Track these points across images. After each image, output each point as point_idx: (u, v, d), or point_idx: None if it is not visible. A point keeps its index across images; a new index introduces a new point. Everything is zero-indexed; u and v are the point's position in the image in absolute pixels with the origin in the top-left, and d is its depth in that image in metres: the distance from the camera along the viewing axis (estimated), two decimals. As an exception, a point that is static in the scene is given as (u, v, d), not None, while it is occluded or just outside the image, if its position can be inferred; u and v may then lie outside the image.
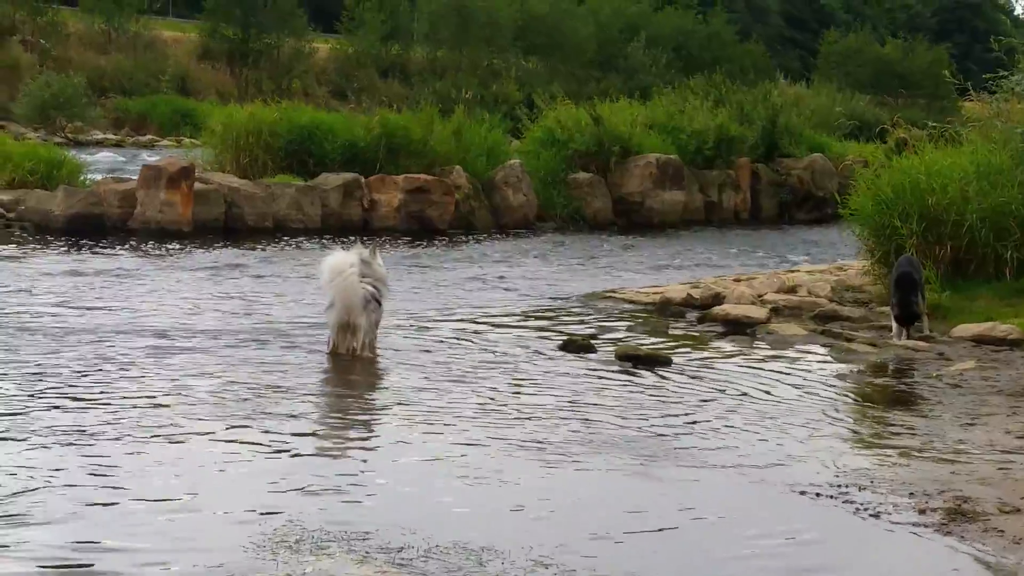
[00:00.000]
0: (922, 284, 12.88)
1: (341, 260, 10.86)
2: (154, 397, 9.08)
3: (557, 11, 68.45)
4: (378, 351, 11.08)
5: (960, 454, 8.34)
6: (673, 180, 26.75)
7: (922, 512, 7.06)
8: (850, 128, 34.18)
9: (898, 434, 8.96)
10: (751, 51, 72.29)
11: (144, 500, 6.76)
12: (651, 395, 9.89)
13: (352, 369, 10.61)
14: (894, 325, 12.63)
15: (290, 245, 19.20)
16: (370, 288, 10.91)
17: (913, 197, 14.59)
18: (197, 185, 20.35)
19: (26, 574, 5.70)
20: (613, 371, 10.77)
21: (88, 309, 12.65)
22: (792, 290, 15.34)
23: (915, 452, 8.39)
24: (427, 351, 11.38)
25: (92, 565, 5.83)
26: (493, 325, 12.98)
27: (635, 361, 11.07)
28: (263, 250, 18.41)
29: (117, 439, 7.94)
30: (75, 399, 8.91)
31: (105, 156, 35.02)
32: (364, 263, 10.96)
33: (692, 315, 13.96)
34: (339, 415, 9.19)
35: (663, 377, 10.56)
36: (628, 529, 6.72)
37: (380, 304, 11.10)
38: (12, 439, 7.82)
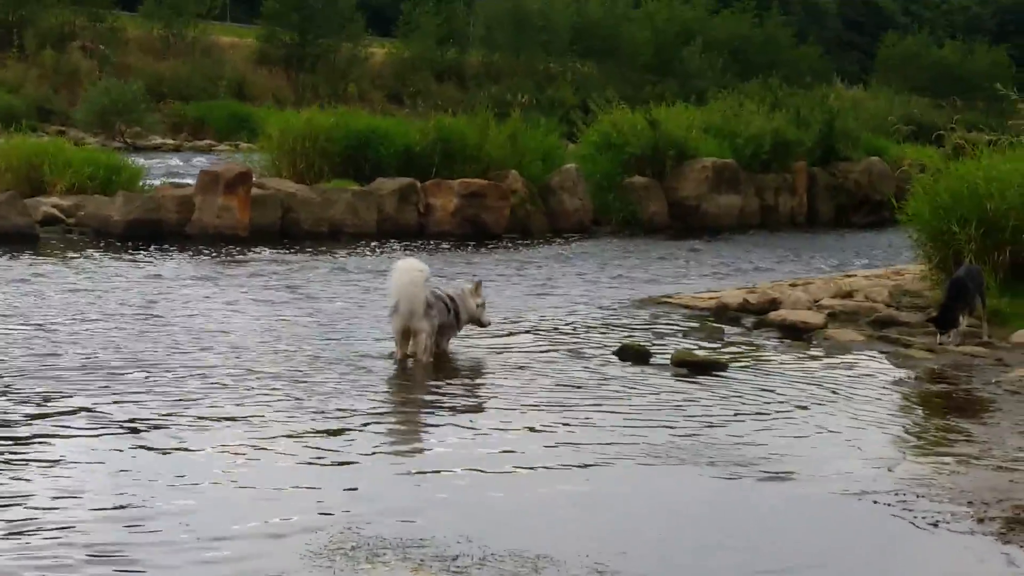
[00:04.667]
0: (977, 291, 12.77)
1: (410, 264, 10.95)
2: (215, 404, 9.15)
3: (613, 15, 68.21)
4: (438, 357, 11.10)
5: (1019, 462, 8.28)
6: (729, 184, 26.65)
7: (980, 521, 7.02)
8: (908, 132, 33.92)
9: (956, 441, 8.90)
10: (808, 54, 71.73)
11: (207, 508, 6.83)
12: (707, 402, 9.86)
13: (411, 375, 10.63)
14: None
15: (347, 249, 19.27)
16: (438, 294, 11.07)
17: (971, 202, 14.47)
18: (254, 190, 20.44)
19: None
20: (669, 377, 10.75)
21: (151, 315, 12.75)
22: (849, 295, 15.26)
23: (973, 460, 8.35)
24: (482, 357, 11.40)
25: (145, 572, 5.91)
26: (548, 330, 12.98)
27: (691, 367, 11.05)
28: (320, 255, 18.47)
29: (176, 442, 8.02)
30: (136, 404, 8.99)
31: (164, 162, 35.21)
32: (458, 297, 11.43)
33: (748, 320, 13.91)
34: (396, 422, 9.23)
35: (719, 384, 10.53)
36: (686, 536, 6.73)
37: (456, 317, 11.38)
38: (79, 435, 7.91)
